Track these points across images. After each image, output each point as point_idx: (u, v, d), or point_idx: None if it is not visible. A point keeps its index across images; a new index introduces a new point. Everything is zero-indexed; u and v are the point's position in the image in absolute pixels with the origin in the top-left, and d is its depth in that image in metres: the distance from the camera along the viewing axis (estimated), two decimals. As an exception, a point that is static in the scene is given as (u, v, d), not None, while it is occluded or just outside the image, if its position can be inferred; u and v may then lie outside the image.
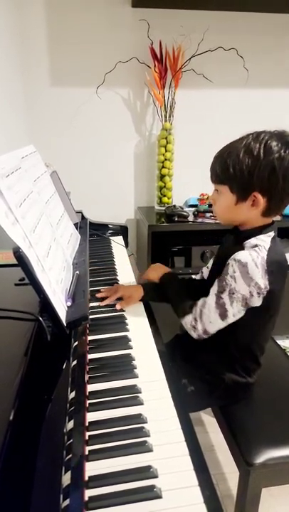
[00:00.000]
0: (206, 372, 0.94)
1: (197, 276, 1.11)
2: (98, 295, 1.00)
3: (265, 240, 0.81)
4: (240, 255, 0.79)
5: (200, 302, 0.89)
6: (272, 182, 0.75)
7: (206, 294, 0.93)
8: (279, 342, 1.24)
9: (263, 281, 0.78)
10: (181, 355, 1.02)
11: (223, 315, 0.83)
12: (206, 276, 1.07)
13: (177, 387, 0.90)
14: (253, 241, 0.82)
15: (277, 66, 1.96)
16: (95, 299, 1.00)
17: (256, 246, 0.80)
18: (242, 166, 0.75)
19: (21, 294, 0.80)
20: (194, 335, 0.90)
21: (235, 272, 0.78)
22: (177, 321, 1.16)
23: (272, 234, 0.83)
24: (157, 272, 1.05)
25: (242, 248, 0.82)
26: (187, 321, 0.90)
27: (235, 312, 0.82)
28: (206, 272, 1.08)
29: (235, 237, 0.89)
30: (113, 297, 0.98)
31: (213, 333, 0.87)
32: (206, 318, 0.86)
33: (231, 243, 0.90)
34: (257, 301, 0.81)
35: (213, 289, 0.85)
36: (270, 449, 0.83)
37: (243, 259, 0.78)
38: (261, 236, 0.82)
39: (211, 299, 0.85)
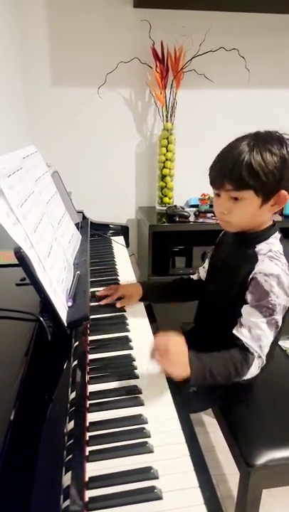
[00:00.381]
0: None
1: (194, 277, 1.11)
2: (98, 293, 1.00)
3: (275, 243, 0.82)
4: (268, 269, 0.77)
5: (250, 342, 0.78)
6: None
7: (203, 293, 0.93)
8: (280, 343, 1.24)
9: None
10: None
11: (276, 327, 0.80)
12: (202, 277, 1.06)
13: (179, 387, 0.90)
14: (264, 246, 0.81)
15: (278, 67, 1.96)
16: (95, 299, 1.00)
17: (270, 251, 0.80)
18: (272, 169, 0.74)
19: (22, 294, 0.80)
20: (258, 369, 0.82)
21: (273, 286, 0.77)
22: (178, 320, 1.15)
23: (278, 235, 0.84)
24: (181, 364, 0.73)
25: (255, 255, 0.81)
26: (253, 370, 0.80)
27: (279, 320, 0.80)
28: (202, 272, 1.07)
29: (239, 239, 0.88)
30: (113, 296, 0.98)
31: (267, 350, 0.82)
32: (266, 344, 0.79)
33: (234, 246, 0.89)
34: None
35: (257, 317, 0.78)
36: (271, 450, 0.83)
37: (275, 271, 0.77)
38: (270, 239, 0.82)
39: (261, 327, 0.78)
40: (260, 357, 0.80)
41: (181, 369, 0.72)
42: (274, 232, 0.84)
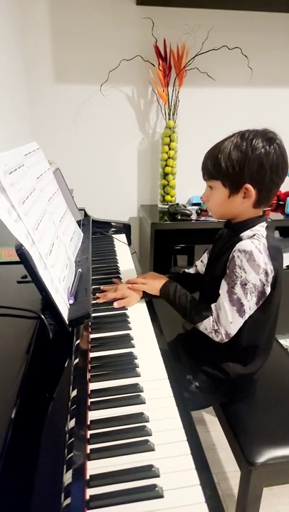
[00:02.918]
0: (211, 367, 0.94)
1: (191, 270, 1.12)
2: (99, 295, 1.00)
3: (260, 230, 0.85)
4: (242, 245, 0.82)
5: (213, 306, 0.88)
6: (261, 174, 0.81)
7: (200, 287, 0.96)
8: (281, 341, 1.24)
9: (268, 267, 0.81)
10: (186, 352, 1.02)
11: (240, 310, 0.83)
12: (200, 270, 1.08)
13: (181, 383, 0.91)
14: (249, 232, 0.86)
15: (281, 65, 1.95)
16: (97, 297, 1.00)
17: (254, 235, 0.84)
18: (233, 162, 0.81)
19: (23, 291, 0.80)
20: (217, 339, 0.88)
21: (242, 261, 0.81)
22: (179, 319, 1.15)
23: (265, 224, 0.87)
24: (153, 284, 0.98)
25: (240, 239, 0.85)
26: (207, 325, 0.88)
27: (251, 305, 0.83)
28: (200, 265, 1.09)
29: (229, 230, 0.92)
30: (112, 296, 0.98)
31: (234, 333, 0.86)
32: (225, 320, 0.84)
33: (226, 237, 0.93)
34: (268, 289, 0.83)
35: (223, 289, 0.85)
36: (272, 449, 0.83)
37: (248, 247, 0.80)
38: (256, 227, 0.86)
39: (223, 298, 0.84)
40: (216, 323, 0.86)
41: (157, 283, 0.96)
42: (261, 221, 0.87)
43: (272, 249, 0.83)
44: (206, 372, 0.94)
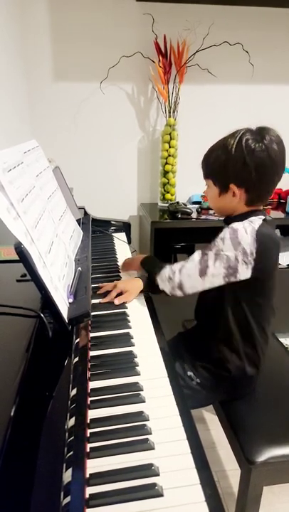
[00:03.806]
0: (212, 364, 0.94)
1: None
2: (98, 292, 1.00)
3: (256, 220, 0.85)
4: (233, 224, 0.84)
5: (185, 260, 0.91)
6: (244, 173, 0.81)
7: None
8: (281, 340, 1.23)
9: (249, 248, 0.80)
10: (187, 350, 1.02)
11: (203, 271, 0.85)
12: None
13: (183, 381, 0.92)
14: (245, 221, 0.86)
15: (282, 61, 1.94)
16: (97, 295, 0.99)
17: (248, 222, 0.85)
18: (218, 161, 0.83)
19: (23, 290, 0.80)
20: (168, 288, 0.91)
21: (225, 235, 0.83)
22: (179, 318, 1.16)
23: (262, 217, 0.86)
24: (134, 261, 1.10)
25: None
26: (163, 273, 0.93)
27: (215, 273, 0.83)
28: None
29: (226, 223, 0.93)
30: (113, 294, 0.98)
31: (187, 291, 0.89)
32: (186, 271, 0.88)
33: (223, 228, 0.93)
34: (244, 271, 0.82)
35: (201, 248, 0.89)
36: (272, 448, 0.83)
37: (235, 226, 0.83)
38: (252, 218, 0.86)
39: (196, 254, 0.88)
40: (173, 272, 0.90)
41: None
42: (258, 214, 0.86)
43: (265, 236, 0.82)
44: (208, 369, 0.95)
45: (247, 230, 0.81)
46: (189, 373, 0.95)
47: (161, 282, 0.93)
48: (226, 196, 0.86)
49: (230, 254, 0.81)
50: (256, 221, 0.84)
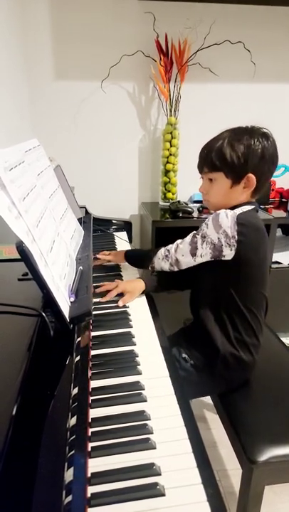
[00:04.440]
0: (203, 344, 0.97)
1: None
2: (98, 290, 1.01)
3: (244, 208, 0.92)
4: (218, 211, 0.91)
5: (178, 240, 1.01)
6: (262, 164, 0.90)
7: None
8: (282, 338, 1.23)
9: (230, 231, 0.87)
10: (185, 339, 1.04)
11: (193, 252, 0.94)
12: None
13: (178, 363, 0.96)
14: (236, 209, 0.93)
15: (284, 60, 1.93)
16: (98, 294, 0.99)
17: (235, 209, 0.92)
18: (238, 154, 0.89)
19: (24, 289, 0.80)
20: (166, 265, 1.01)
21: (209, 220, 0.91)
22: (181, 316, 1.16)
23: (253, 206, 0.94)
24: (118, 253, 1.17)
25: None
26: (160, 253, 1.02)
27: (203, 253, 0.93)
28: None
29: None
30: (114, 293, 0.99)
31: (183, 266, 0.99)
32: (180, 251, 0.98)
33: None
34: (228, 253, 0.89)
35: (193, 232, 0.97)
36: (273, 447, 0.83)
37: (218, 211, 0.90)
38: (244, 206, 0.93)
39: (188, 237, 0.97)
40: (169, 251, 1.01)
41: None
42: (249, 204, 0.94)
43: (244, 220, 0.88)
44: (198, 348, 0.98)
45: (228, 215, 0.88)
46: (184, 355, 0.98)
47: (158, 261, 1.02)
48: (238, 187, 0.92)
49: (214, 237, 0.89)
50: (245, 208, 0.91)
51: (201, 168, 0.97)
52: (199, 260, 0.95)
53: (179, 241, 1.00)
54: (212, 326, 0.96)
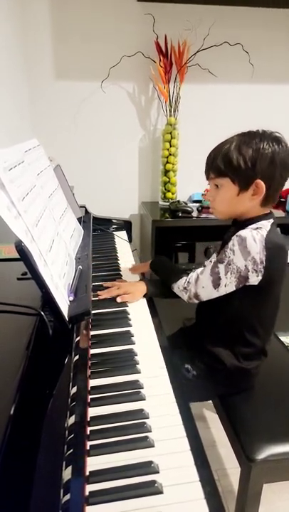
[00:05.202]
0: (208, 357, 0.95)
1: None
2: (100, 293, 1.00)
3: (265, 224, 0.86)
4: (241, 231, 0.84)
5: (199, 269, 0.93)
6: (271, 170, 0.82)
7: None
8: (281, 338, 1.23)
9: (259, 257, 0.81)
10: (185, 344, 1.03)
11: (216, 283, 0.87)
12: None
13: (180, 373, 0.93)
14: (253, 226, 0.86)
15: (282, 61, 1.94)
16: (97, 294, 0.99)
17: (257, 228, 0.85)
18: (245, 158, 0.82)
19: (23, 288, 0.80)
20: (185, 297, 0.95)
21: (234, 245, 0.83)
22: (180, 316, 1.16)
23: (272, 220, 0.87)
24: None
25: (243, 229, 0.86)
26: (180, 283, 0.95)
27: (228, 283, 0.86)
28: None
29: (237, 228, 0.91)
30: (114, 293, 0.98)
31: (203, 299, 0.92)
32: (200, 283, 0.91)
33: (233, 233, 0.90)
34: (254, 279, 0.83)
35: (213, 259, 0.91)
36: (272, 445, 0.83)
37: (243, 234, 0.83)
38: (262, 221, 0.86)
39: (208, 266, 0.90)
40: (189, 282, 0.93)
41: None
42: (268, 218, 0.87)
43: (274, 243, 0.83)
44: (203, 361, 0.96)
45: (256, 239, 0.81)
46: (186, 365, 0.96)
47: (178, 291, 0.96)
48: (245, 195, 0.84)
49: (240, 265, 0.82)
50: (265, 226, 0.84)
51: (207, 173, 0.90)
52: (222, 291, 0.87)
53: (199, 270, 0.93)
54: (220, 342, 0.93)
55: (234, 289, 0.86)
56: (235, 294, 0.87)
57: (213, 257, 1.05)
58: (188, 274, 0.96)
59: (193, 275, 0.93)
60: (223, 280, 0.86)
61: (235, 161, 0.82)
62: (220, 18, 1.79)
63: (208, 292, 0.89)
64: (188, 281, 0.93)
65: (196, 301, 0.94)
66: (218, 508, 0.50)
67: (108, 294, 0.98)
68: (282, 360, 1.12)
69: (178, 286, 0.96)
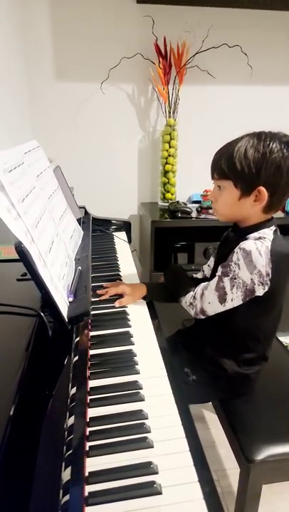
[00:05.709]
0: (209, 363, 0.94)
1: (198, 275, 1.11)
2: (99, 292, 1.00)
3: (268, 233, 0.83)
4: (245, 244, 0.81)
5: (203, 284, 0.91)
6: (277, 177, 0.78)
7: None
8: (281, 339, 1.24)
9: (264, 270, 0.79)
10: (184, 346, 1.03)
11: (222, 298, 0.85)
12: (208, 275, 1.07)
13: (180, 376, 0.93)
14: (255, 234, 0.84)
15: (281, 63, 1.95)
16: (97, 294, 1.00)
17: (260, 238, 0.82)
18: (249, 163, 0.78)
19: (23, 289, 0.80)
20: (192, 312, 0.93)
21: (240, 259, 0.81)
22: (179, 316, 1.16)
23: (274, 228, 0.85)
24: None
25: (245, 240, 0.84)
26: (187, 298, 0.93)
27: (234, 297, 0.84)
28: (207, 270, 1.08)
29: (236, 234, 0.90)
30: (112, 292, 0.98)
31: (210, 314, 0.89)
32: (205, 299, 0.89)
33: (233, 240, 0.90)
34: (260, 292, 0.82)
35: (218, 272, 0.87)
36: (271, 446, 0.83)
37: (248, 247, 0.80)
38: (264, 230, 0.84)
39: (213, 281, 0.87)
40: (194, 298, 0.91)
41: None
42: (269, 225, 0.85)
43: (279, 254, 0.80)
44: (204, 367, 0.95)
45: (261, 252, 0.79)
46: (186, 370, 0.96)
47: (186, 306, 0.95)
48: (247, 200, 0.81)
49: (246, 278, 0.80)
50: (268, 235, 0.82)
51: (212, 173, 0.86)
52: (229, 306, 0.85)
53: (203, 285, 0.91)
54: (223, 350, 0.92)
55: (241, 302, 0.84)
56: (239, 305, 0.85)
57: (211, 262, 1.06)
58: (192, 284, 0.95)
59: (198, 291, 0.91)
60: (229, 295, 0.83)
61: (239, 165, 0.78)
62: (219, 20, 1.80)
63: (214, 307, 0.87)
64: (194, 297, 0.92)
65: (203, 317, 0.91)
66: (217, 508, 0.50)
67: (107, 295, 0.98)
68: (282, 361, 1.12)
69: (185, 301, 0.94)
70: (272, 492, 1.20)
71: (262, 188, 0.79)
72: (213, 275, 0.97)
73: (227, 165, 0.81)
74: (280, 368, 1.09)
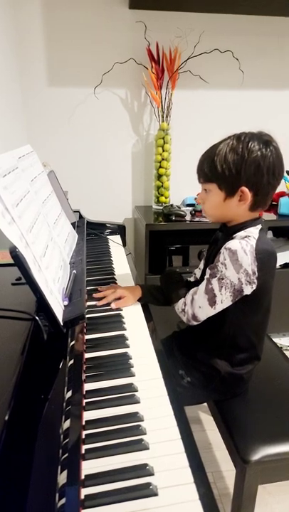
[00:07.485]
0: (202, 364, 0.95)
1: (191, 279, 1.12)
2: (96, 295, 1.00)
3: (253, 232, 0.85)
4: (230, 244, 0.82)
5: (193, 289, 0.93)
6: (257, 177, 0.80)
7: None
8: (275, 340, 1.25)
9: (251, 268, 0.81)
10: (179, 349, 1.03)
11: (212, 301, 0.86)
12: (199, 278, 1.08)
13: (174, 378, 0.93)
14: (242, 233, 0.85)
15: (271, 68, 1.97)
16: (92, 298, 1.00)
17: (246, 237, 0.84)
18: (229, 164, 0.80)
19: (18, 293, 0.80)
20: (184, 319, 0.95)
21: (226, 259, 0.82)
22: (174, 319, 1.17)
23: (259, 226, 0.87)
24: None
25: (232, 239, 0.85)
26: (179, 305, 0.96)
27: (224, 299, 0.85)
28: (198, 273, 1.09)
29: (224, 234, 0.92)
30: (110, 297, 0.98)
31: (202, 319, 0.91)
32: (196, 303, 0.90)
33: (221, 240, 0.92)
34: (248, 290, 0.83)
35: (206, 275, 0.88)
36: (266, 446, 0.84)
37: (233, 247, 0.81)
38: (250, 228, 0.86)
39: (202, 284, 0.89)
40: (185, 304, 0.93)
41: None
42: (255, 224, 0.87)
43: (264, 252, 0.82)
44: (198, 369, 0.96)
45: (246, 250, 0.80)
46: (180, 372, 0.97)
47: (178, 312, 0.97)
48: (232, 201, 0.84)
49: (234, 278, 0.82)
50: (253, 233, 0.84)
51: (198, 177, 0.89)
52: (220, 308, 0.86)
53: (193, 290, 0.92)
54: (215, 351, 0.94)
55: (230, 303, 0.85)
56: (229, 305, 0.86)
57: (202, 265, 1.07)
58: (185, 291, 0.96)
59: (188, 296, 0.92)
60: (218, 297, 0.85)
61: (220, 167, 0.81)
62: (210, 26, 1.82)
63: (205, 311, 0.88)
64: (184, 303, 0.93)
65: (195, 323, 0.92)
66: (213, 509, 0.50)
67: (106, 300, 0.98)
68: (275, 362, 1.13)
69: (177, 308, 0.96)
70: (268, 492, 1.21)
71: (244, 189, 0.81)
72: (202, 278, 0.98)
73: (209, 168, 0.83)
74: (274, 369, 1.09)
